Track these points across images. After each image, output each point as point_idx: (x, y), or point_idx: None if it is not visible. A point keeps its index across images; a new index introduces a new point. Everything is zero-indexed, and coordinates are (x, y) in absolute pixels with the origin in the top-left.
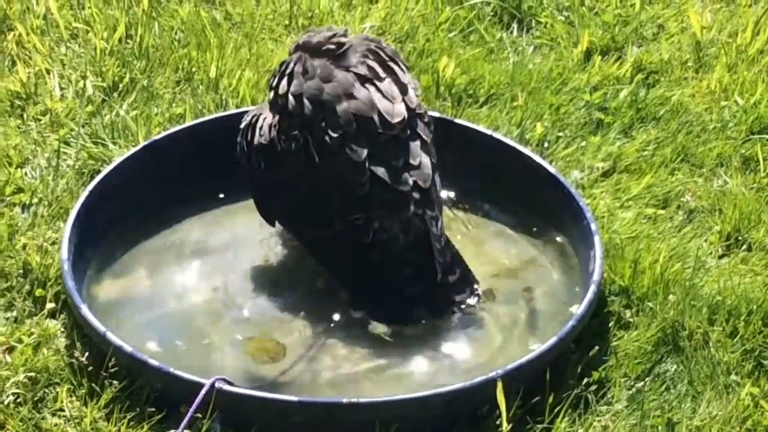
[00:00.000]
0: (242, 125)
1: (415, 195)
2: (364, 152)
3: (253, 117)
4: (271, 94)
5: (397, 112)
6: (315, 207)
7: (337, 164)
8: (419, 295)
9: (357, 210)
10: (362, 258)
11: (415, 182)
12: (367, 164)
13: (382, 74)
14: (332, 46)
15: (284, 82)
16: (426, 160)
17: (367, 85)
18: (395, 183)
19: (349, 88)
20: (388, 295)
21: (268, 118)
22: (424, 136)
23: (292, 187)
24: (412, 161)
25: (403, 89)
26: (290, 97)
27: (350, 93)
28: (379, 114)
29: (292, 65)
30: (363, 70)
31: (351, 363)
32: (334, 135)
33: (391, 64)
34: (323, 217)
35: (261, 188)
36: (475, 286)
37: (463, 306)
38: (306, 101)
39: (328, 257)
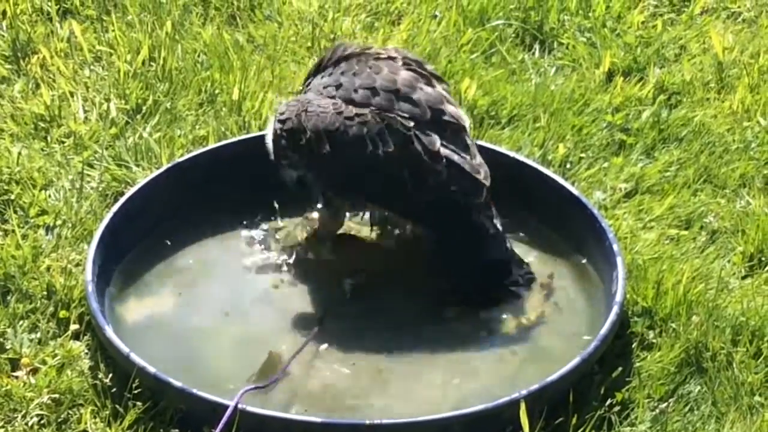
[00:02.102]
0: (285, 113)
1: (486, 183)
2: (438, 140)
3: (301, 104)
4: (325, 85)
5: (462, 114)
6: (397, 189)
7: (413, 151)
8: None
9: (435, 192)
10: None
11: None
12: (441, 151)
13: (432, 80)
14: (379, 53)
15: (346, 77)
16: (483, 160)
17: (428, 84)
18: (471, 171)
19: (415, 83)
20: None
21: (329, 103)
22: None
23: (372, 170)
24: (477, 158)
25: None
26: (360, 91)
27: (419, 87)
28: (449, 112)
29: (347, 65)
30: (416, 73)
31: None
32: (410, 123)
33: (429, 74)
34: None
35: (331, 176)
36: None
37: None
38: (381, 91)
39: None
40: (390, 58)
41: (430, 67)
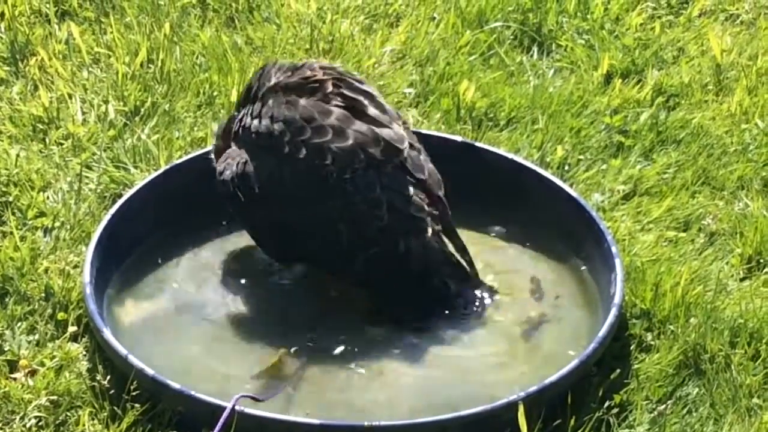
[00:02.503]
0: (226, 173)
1: (432, 213)
2: (377, 185)
3: (237, 163)
4: (251, 134)
5: (400, 136)
6: (332, 246)
7: (352, 201)
8: (446, 296)
9: (375, 243)
10: (393, 270)
11: (426, 199)
12: (382, 197)
13: (365, 101)
14: (306, 83)
15: (268, 122)
16: (431, 166)
17: (360, 117)
18: (412, 209)
19: (347, 124)
20: (416, 298)
21: (259, 162)
22: (418, 145)
23: (305, 228)
24: (421, 176)
25: (387, 109)
26: (287, 139)
27: (349, 128)
28: (385, 142)
29: (271, 105)
30: (347, 102)
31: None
32: (346, 175)
33: (363, 87)
34: (344, 255)
35: (269, 232)
36: (487, 284)
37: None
38: (308, 145)
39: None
40: (319, 86)
41: (359, 84)
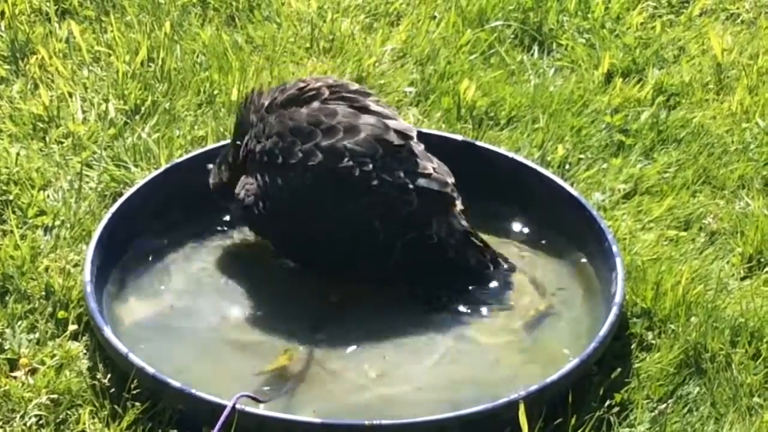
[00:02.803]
0: (247, 199)
1: (454, 188)
2: (400, 171)
3: (255, 186)
4: (260, 157)
5: (407, 126)
6: (368, 243)
7: (379, 193)
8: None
9: (410, 228)
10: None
11: (446, 174)
12: (407, 180)
13: (365, 99)
14: (301, 94)
15: (275, 138)
16: (436, 159)
17: (365, 112)
18: (436, 186)
19: (355, 119)
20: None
21: (277, 180)
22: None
23: (339, 234)
24: (432, 164)
25: (387, 106)
26: (299, 148)
27: (358, 122)
28: (396, 131)
29: (273, 123)
30: (348, 102)
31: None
32: (367, 168)
33: (359, 88)
34: (381, 249)
35: (300, 246)
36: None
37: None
38: (321, 148)
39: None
40: (315, 93)
41: (353, 86)
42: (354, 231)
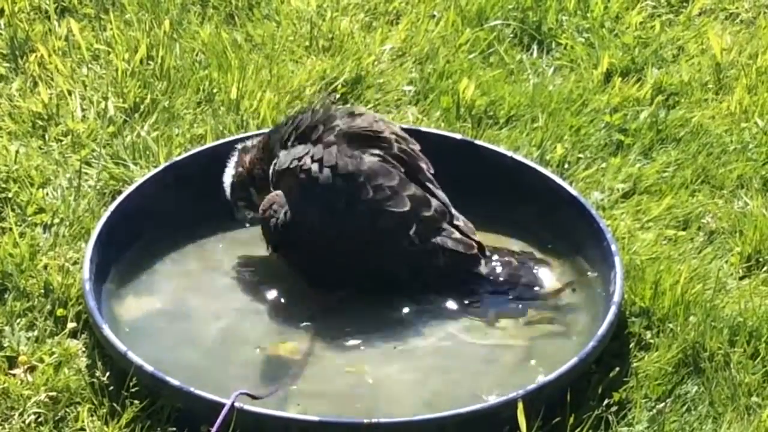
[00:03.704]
0: (272, 221)
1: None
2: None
3: (285, 212)
4: (310, 178)
5: (445, 200)
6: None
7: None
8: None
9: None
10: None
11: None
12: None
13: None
14: (374, 138)
15: (329, 171)
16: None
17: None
18: (462, 248)
19: (403, 188)
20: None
21: (313, 208)
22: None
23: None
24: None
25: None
26: (347, 195)
27: (405, 192)
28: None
29: (334, 154)
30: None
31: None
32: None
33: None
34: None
35: (318, 271)
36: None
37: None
38: (366, 203)
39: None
40: (386, 146)
41: (414, 144)
42: (381, 268)
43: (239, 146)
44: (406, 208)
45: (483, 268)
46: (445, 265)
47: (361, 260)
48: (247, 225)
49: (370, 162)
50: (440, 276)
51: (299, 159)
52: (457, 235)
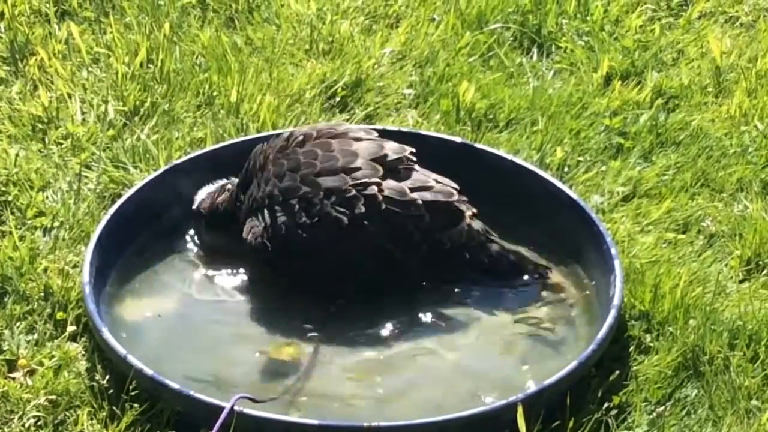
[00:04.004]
0: (256, 241)
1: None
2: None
3: (263, 227)
4: (264, 200)
5: (399, 145)
6: (385, 265)
7: (389, 214)
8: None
9: (423, 242)
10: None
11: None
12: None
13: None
14: (290, 141)
15: (275, 181)
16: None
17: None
18: (443, 197)
19: (349, 145)
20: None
21: (283, 218)
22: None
23: (353, 262)
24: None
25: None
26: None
27: (354, 147)
28: (391, 150)
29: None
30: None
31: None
32: (368, 192)
33: (345, 130)
34: (399, 268)
35: (315, 279)
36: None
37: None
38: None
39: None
40: (303, 138)
41: (341, 126)
42: (371, 257)
43: (228, 184)
44: (362, 159)
45: (471, 229)
46: (429, 221)
47: (343, 244)
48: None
49: (303, 149)
50: (423, 242)
51: (250, 197)
52: (431, 182)
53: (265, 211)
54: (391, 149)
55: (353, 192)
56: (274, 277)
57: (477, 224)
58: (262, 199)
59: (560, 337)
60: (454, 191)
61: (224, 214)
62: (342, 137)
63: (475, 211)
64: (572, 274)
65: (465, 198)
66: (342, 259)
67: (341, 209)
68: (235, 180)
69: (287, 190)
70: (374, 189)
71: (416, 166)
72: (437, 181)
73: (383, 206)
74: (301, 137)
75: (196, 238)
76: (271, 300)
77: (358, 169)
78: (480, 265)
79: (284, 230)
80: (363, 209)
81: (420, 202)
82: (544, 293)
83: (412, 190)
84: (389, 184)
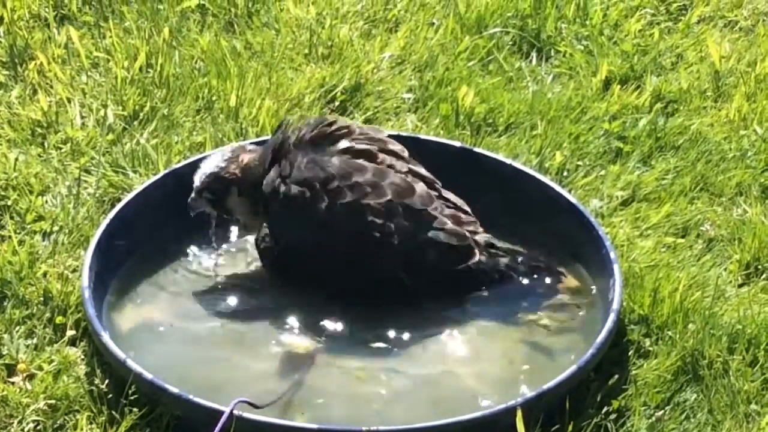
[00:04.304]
0: (264, 244)
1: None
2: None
3: (274, 233)
4: (284, 198)
5: (431, 177)
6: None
7: (401, 251)
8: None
9: (434, 271)
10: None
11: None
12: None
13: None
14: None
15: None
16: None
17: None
18: (455, 241)
19: (382, 177)
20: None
21: (298, 227)
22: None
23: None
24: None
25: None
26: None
27: (385, 182)
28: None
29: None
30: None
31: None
32: (387, 228)
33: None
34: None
35: (317, 284)
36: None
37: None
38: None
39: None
40: (346, 132)
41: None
42: (380, 280)
43: (235, 144)
44: (388, 197)
45: (481, 261)
46: (438, 260)
47: (355, 267)
48: (192, 213)
49: (340, 161)
50: (435, 273)
51: (273, 182)
52: (450, 225)
53: (285, 215)
54: (419, 195)
55: (370, 222)
56: (280, 280)
57: (483, 238)
58: (285, 200)
59: (560, 340)
60: (467, 233)
61: (258, 175)
62: (379, 146)
63: (486, 238)
64: (572, 277)
65: (474, 220)
66: (352, 279)
67: (359, 236)
68: (247, 145)
69: (312, 204)
70: (391, 227)
71: (437, 202)
72: (452, 220)
73: (395, 241)
74: (343, 131)
75: (212, 218)
76: (272, 305)
77: (381, 205)
78: (491, 284)
79: (300, 241)
80: (378, 241)
81: (432, 242)
82: (548, 296)
83: (427, 230)
84: (403, 227)
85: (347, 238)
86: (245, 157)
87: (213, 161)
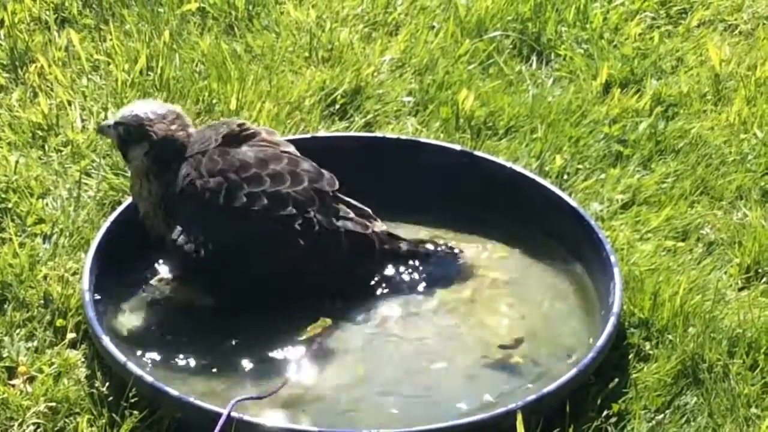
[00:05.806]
0: (186, 246)
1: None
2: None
3: (195, 229)
4: (199, 191)
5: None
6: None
7: (317, 239)
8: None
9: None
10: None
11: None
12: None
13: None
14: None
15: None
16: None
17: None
18: (360, 229)
19: (296, 165)
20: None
21: (215, 220)
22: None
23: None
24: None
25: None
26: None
27: (299, 169)
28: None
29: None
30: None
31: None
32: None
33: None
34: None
35: (233, 287)
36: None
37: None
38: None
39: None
40: (253, 133)
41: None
42: (296, 271)
43: (179, 108)
44: (306, 184)
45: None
46: (348, 249)
47: (279, 263)
48: (98, 135)
49: (254, 151)
50: (345, 262)
51: (187, 176)
52: (352, 214)
53: (202, 209)
54: (326, 179)
55: (293, 211)
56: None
57: (380, 227)
58: (202, 192)
59: (559, 344)
60: (369, 223)
61: (176, 150)
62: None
63: (384, 228)
64: (572, 282)
65: (369, 212)
66: (268, 271)
67: (279, 225)
68: (185, 117)
69: (230, 195)
70: (311, 214)
71: (339, 195)
72: (356, 213)
73: (316, 228)
74: (250, 131)
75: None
76: (270, 305)
77: (300, 195)
78: (397, 268)
79: (220, 236)
80: (299, 229)
81: (343, 230)
82: (542, 303)
83: (337, 218)
84: (321, 212)
85: (269, 228)
86: (178, 129)
87: (149, 107)
